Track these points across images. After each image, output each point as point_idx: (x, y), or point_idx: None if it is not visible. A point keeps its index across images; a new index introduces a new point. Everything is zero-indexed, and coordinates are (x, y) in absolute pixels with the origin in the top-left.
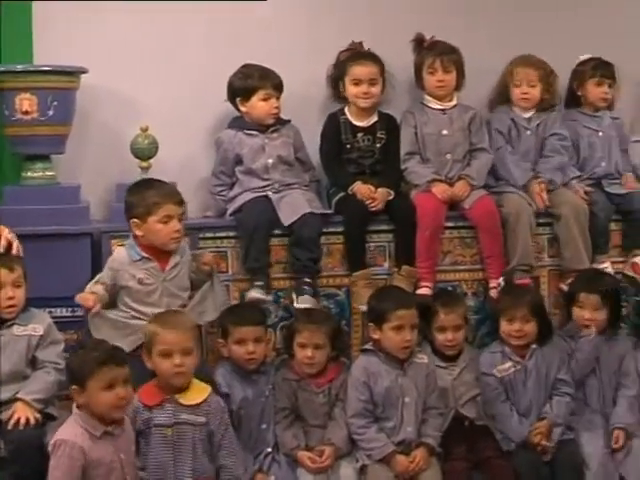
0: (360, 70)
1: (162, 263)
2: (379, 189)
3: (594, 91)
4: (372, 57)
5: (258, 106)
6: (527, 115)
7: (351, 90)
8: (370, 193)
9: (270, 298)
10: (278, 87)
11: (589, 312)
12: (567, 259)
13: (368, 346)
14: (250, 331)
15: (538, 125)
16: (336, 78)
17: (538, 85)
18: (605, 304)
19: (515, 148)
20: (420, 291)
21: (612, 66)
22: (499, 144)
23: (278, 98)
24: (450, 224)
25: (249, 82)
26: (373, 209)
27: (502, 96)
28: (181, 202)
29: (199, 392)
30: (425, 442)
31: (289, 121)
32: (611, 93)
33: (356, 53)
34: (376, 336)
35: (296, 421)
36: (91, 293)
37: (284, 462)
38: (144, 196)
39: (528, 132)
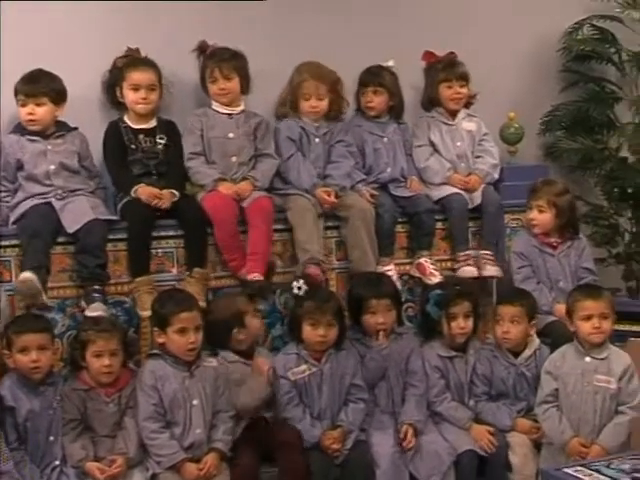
0: (139, 76)
1: None
2: (164, 190)
3: (361, 99)
4: (150, 63)
5: (21, 112)
6: (316, 124)
7: (130, 96)
8: (155, 194)
9: (47, 302)
10: (41, 94)
11: (382, 316)
12: (355, 261)
13: (155, 350)
14: (33, 339)
15: (325, 134)
16: (112, 84)
17: (327, 98)
18: (393, 305)
19: (306, 155)
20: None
21: (379, 74)
22: (291, 151)
23: (39, 104)
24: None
25: (19, 87)
26: (162, 207)
27: (291, 105)
28: None
29: None
30: (215, 447)
31: (76, 128)
32: (377, 101)
33: (134, 59)
34: (161, 340)
35: (85, 432)
36: None
37: (73, 475)
38: None
39: (317, 140)
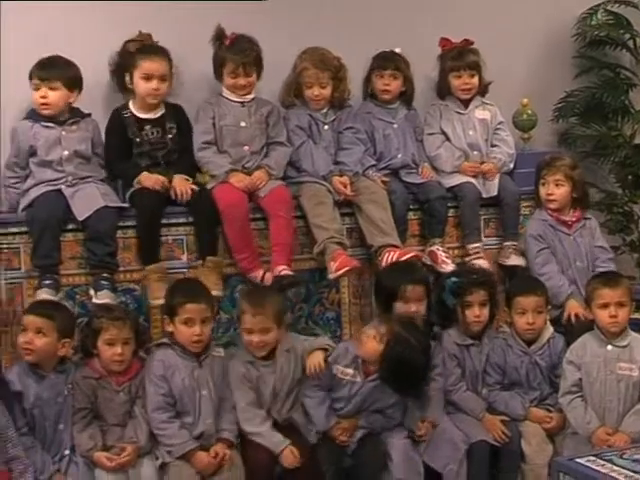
0: (151, 65)
1: None
2: (175, 176)
3: (377, 83)
4: (163, 52)
5: (34, 96)
6: (323, 111)
7: (141, 85)
8: (160, 182)
9: (56, 298)
10: (55, 78)
11: (415, 305)
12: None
13: (164, 340)
14: (32, 321)
15: (333, 121)
16: (121, 68)
17: (329, 85)
18: (426, 294)
19: (317, 143)
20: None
21: (394, 59)
22: (302, 139)
23: (53, 89)
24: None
25: (34, 71)
26: (184, 199)
27: (295, 93)
28: None
29: None
30: (222, 437)
31: (89, 115)
32: (394, 85)
33: (146, 46)
34: (170, 329)
35: (94, 421)
36: None
37: (82, 464)
38: None
39: (326, 127)
